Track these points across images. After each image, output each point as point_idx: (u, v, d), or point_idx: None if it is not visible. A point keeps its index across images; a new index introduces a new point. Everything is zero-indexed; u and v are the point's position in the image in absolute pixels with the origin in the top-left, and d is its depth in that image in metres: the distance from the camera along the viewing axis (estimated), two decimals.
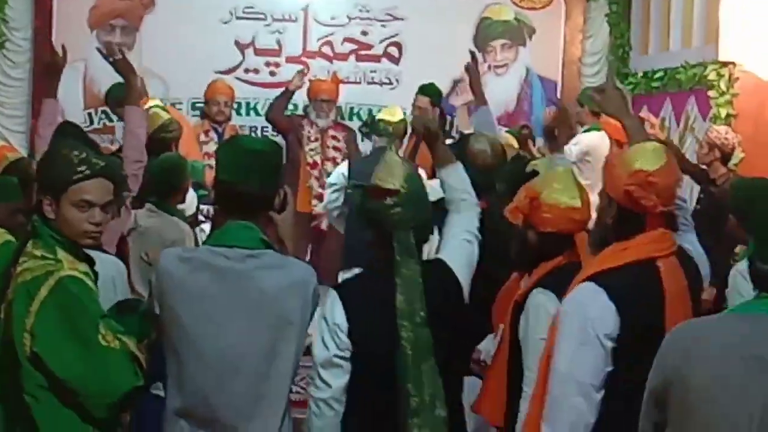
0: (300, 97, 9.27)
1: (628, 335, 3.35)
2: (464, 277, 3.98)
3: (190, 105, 9.87)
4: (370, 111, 9.91)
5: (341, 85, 9.53)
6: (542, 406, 3.45)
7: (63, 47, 6.01)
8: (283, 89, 9.09)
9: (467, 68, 6.72)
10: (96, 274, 3.63)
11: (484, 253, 5.15)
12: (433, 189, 7.96)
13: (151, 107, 7.03)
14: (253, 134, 9.50)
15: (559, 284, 3.70)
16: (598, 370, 3.35)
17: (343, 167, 7.90)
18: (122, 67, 5.79)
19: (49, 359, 3.40)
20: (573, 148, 8.42)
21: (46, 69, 5.96)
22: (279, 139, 8.29)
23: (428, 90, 8.66)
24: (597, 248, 3.58)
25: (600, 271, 3.43)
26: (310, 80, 9.39)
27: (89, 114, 10.00)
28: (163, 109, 7.19)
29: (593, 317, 3.35)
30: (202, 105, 9.36)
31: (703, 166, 7.88)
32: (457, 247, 4.08)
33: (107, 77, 9.73)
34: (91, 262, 3.65)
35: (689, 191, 8.73)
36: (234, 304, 3.62)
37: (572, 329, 3.39)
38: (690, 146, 8.80)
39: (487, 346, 4.48)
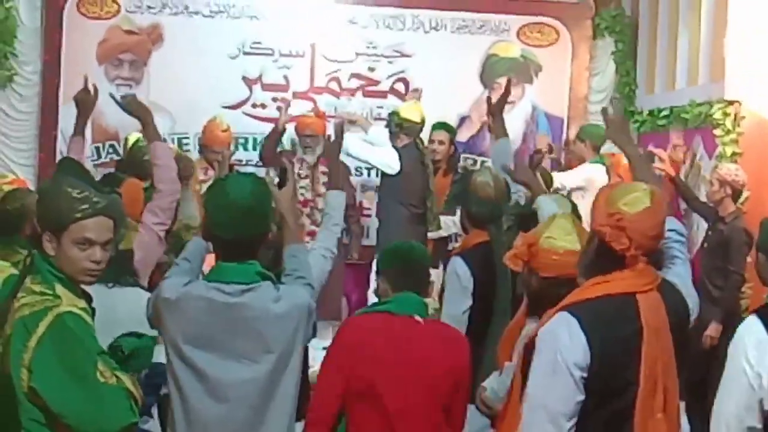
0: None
1: (597, 365, 3.35)
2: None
3: (196, 140, 9.84)
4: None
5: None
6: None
7: (94, 85, 5.94)
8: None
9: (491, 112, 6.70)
10: (94, 310, 3.63)
11: (483, 284, 5.28)
12: (446, 224, 8.07)
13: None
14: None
15: None
16: (569, 399, 3.36)
17: None
18: (134, 107, 5.70)
19: (46, 395, 3.40)
20: (569, 177, 8.55)
21: (77, 106, 5.87)
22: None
23: (446, 126, 9.02)
24: (583, 278, 3.59)
25: (576, 302, 3.45)
26: (297, 116, 9.44)
27: (97, 148, 9.98)
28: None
29: (564, 346, 3.36)
30: None
31: (711, 204, 7.92)
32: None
33: (115, 111, 9.82)
34: (89, 299, 3.65)
35: (695, 228, 8.77)
36: (232, 333, 3.71)
37: (544, 358, 3.41)
38: (696, 185, 8.79)
39: (492, 384, 4.50)
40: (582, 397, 3.35)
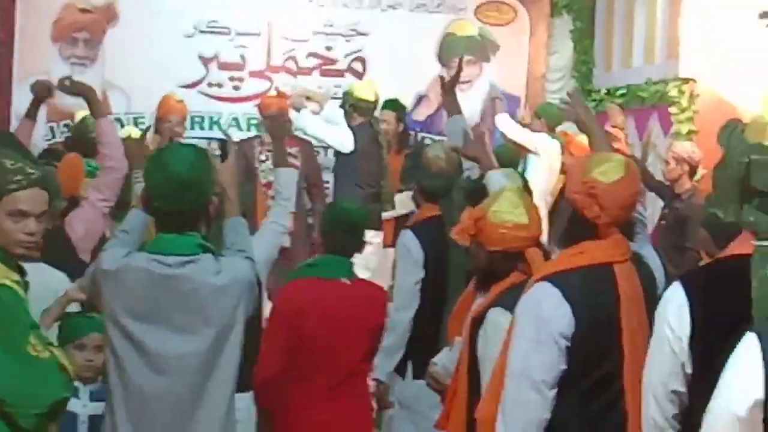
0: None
1: (582, 335, 3.37)
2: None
3: (153, 119, 9.78)
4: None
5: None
6: (497, 403, 3.47)
7: (70, 78, 5.83)
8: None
9: (444, 89, 6.67)
10: (27, 284, 3.58)
11: (435, 258, 5.32)
12: (401, 202, 8.15)
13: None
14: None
15: (516, 302, 3.68)
16: (552, 368, 3.38)
17: None
18: (75, 88, 5.63)
19: None
20: (515, 129, 8.80)
21: (33, 93, 5.84)
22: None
23: (393, 105, 8.84)
24: (557, 247, 3.65)
25: (556, 272, 3.47)
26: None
27: (51, 128, 9.89)
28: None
29: (548, 316, 3.38)
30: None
31: (668, 182, 7.96)
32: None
33: None
34: (22, 272, 3.59)
35: (651, 207, 8.81)
36: (172, 306, 3.69)
37: (527, 327, 3.42)
38: (652, 163, 8.83)
39: (442, 359, 4.53)
40: (564, 366, 3.38)
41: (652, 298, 3.54)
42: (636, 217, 3.89)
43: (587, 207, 3.44)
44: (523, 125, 8.99)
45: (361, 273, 5.45)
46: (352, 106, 8.54)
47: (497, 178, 4.92)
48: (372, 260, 7.95)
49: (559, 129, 8.91)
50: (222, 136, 5.98)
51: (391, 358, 5.43)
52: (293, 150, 8.77)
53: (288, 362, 4.61)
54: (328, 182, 9.07)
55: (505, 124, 8.87)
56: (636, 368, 3.32)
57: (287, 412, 4.66)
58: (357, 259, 4.98)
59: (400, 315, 5.41)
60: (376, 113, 8.70)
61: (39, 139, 8.86)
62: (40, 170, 3.64)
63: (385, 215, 8.41)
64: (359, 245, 4.90)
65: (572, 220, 3.53)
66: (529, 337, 3.41)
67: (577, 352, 3.39)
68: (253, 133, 9.36)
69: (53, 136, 9.90)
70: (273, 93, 9.51)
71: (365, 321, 4.79)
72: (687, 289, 2.89)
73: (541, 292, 3.44)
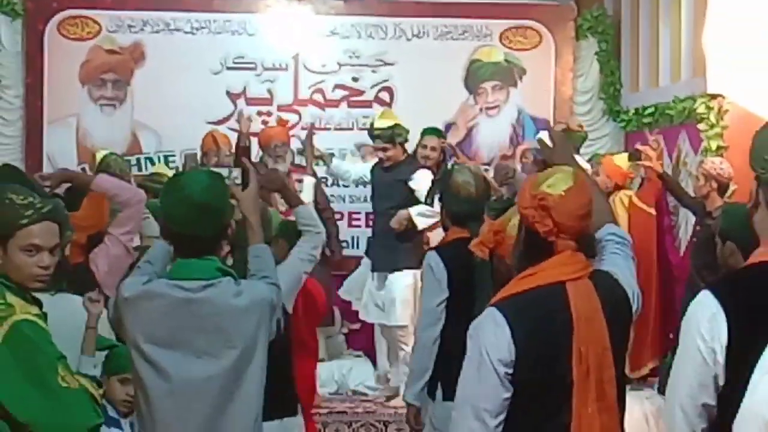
0: None
1: (525, 361, 3.32)
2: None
3: (182, 156, 9.85)
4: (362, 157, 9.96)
5: (337, 132, 9.76)
6: None
7: (41, 175, 5.89)
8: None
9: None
10: (45, 315, 3.61)
11: (460, 279, 5.28)
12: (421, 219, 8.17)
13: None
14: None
15: None
16: (494, 396, 3.33)
17: None
18: (56, 180, 5.58)
19: (9, 404, 3.38)
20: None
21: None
22: None
23: (436, 131, 8.90)
24: (516, 270, 3.55)
25: (504, 297, 3.43)
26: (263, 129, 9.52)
27: (83, 168, 9.95)
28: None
29: (488, 342, 3.34)
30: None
31: (700, 199, 7.91)
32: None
33: (99, 131, 9.95)
34: (39, 305, 3.63)
35: (684, 224, 8.78)
36: (193, 330, 3.71)
37: (471, 354, 3.40)
38: (683, 180, 8.80)
39: None
40: (508, 394, 3.33)
41: (618, 316, 3.50)
42: (602, 245, 3.77)
43: (540, 221, 3.38)
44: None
45: None
46: (373, 136, 8.69)
47: None
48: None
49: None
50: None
51: (420, 378, 5.44)
52: (301, 176, 8.87)
53: None
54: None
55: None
56: (582, 393, 3.32)
57: None
58: None
59: (425, 334, 5.43)
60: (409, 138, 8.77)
61: None
62: (50, 203, 3.67)
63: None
64: None
65: (527, 241, 3.48)
66: (473, 364, 3.38)
67: (522, 378, 3.33)
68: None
69: None
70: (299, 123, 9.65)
71: None
72: (719, 296, 2.81)
73: (486, 317, 3.41)
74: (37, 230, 3.56)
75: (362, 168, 9.18)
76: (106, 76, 10.19)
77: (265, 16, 10.31)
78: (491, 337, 3.33)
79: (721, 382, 2.77)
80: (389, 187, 8.48)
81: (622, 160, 8.80)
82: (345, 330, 9.81)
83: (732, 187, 7.83)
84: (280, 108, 10.30)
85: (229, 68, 10.31)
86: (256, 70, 10.34)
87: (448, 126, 10.34)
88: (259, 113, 10.26)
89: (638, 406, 7.85)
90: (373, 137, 8.62)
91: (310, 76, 10.40)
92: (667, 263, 8.91)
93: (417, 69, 10.34)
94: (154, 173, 7.63)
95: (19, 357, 3.41)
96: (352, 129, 10.33)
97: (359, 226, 10.03)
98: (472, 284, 5.20)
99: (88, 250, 5.13)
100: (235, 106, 10.27)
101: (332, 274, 9.06)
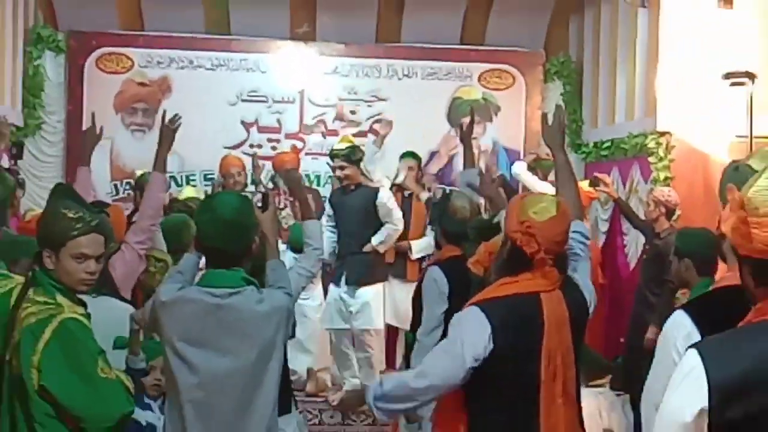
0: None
1: (499, 356, 3.37)
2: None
3: (202, 176, 10.01)
4: None
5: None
6: None
7: (101, 127, 6.09)
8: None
9: (462, 138, 6.72)
10: (89, 315, 3.64)
11: (458, 293, 5.37)
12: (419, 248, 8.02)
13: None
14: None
15: None
16: (449, 379, 3.41)
17: None
18: (165, 134, 5.76)
19: (55, 391, 3.42)
20: (532, 178, 8.87)
21: (85, 137, 6.04)
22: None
23: (412, 154, 8.82)
24: (495, 277, 3.61)
25: (486, 299, 3.48)
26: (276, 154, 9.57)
27: (115, 185, 10.10)
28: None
29: (467, 336, 3.41)
30: (213, 176, 9.50)
31: (648, 222, 7.97)
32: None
33: (131, 153, 10.04)
34: (84, 306, 3.66)
35: (635, 244, 8.93)
36: (220, 331, 3.73)
37: (448, 339, 3.47)
38: (635, 206, 8.84)
39: None
40: (460, 382, 3.40)
41: (579, 319, 3.58)
42: (569, 245, 3.79)
43: (526, 244, 3.45)
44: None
45: None
46: (332, 157, 8.31)
47: None
48: None
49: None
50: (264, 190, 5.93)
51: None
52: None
53: None
54: None
55: (521, 170, 8.97)
56: (550, 389, 3.39)
57: None
58: None
59: (429, 339, 5.42)
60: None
61: (103, 196, 9.00)
62: (97, 217, 3.71)
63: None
64: None
65: (511, 254, 3.53)
66: (445, 346, 3.46)
67: (495, 372, 3.38)
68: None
69: (117, 193, 10.08)
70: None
71: None
72: (693, 316, 2.78)
73: (469, 314, 3.46)
74: (85, 241, 3.60)
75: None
76: (137, 105, 10.27)
77: (276, 56, 10.41)
78: (471, 332, 3.39)
79: None
80: (350, 208, 8.08)
81: (583, 185, 8.91)
82: None
83: (677, 212, 7.88)
84: (287, 136, 10.38)
85: (243, 100, 10.39)
86: (267, 102, 10.44)
87: (432, 154, 10.44)
88: (269, 140, 10.35)
89: (593, 400, 7.93)
90: (331, 157, 8.26)
91: (314, 109, 10.49)
92: (619, 277, 9.03)
93: (406, 104, 10.42)
94: (187, 198, 7.71)
95: (65, 350, 3.43)
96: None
97: None
98: (467, 298, 5.31)
99: (108, 256, 4.95)
100: (249, 133, 10.36)
101: None
